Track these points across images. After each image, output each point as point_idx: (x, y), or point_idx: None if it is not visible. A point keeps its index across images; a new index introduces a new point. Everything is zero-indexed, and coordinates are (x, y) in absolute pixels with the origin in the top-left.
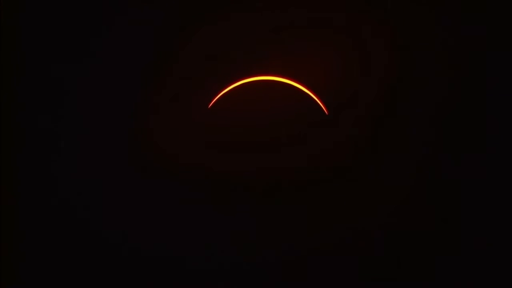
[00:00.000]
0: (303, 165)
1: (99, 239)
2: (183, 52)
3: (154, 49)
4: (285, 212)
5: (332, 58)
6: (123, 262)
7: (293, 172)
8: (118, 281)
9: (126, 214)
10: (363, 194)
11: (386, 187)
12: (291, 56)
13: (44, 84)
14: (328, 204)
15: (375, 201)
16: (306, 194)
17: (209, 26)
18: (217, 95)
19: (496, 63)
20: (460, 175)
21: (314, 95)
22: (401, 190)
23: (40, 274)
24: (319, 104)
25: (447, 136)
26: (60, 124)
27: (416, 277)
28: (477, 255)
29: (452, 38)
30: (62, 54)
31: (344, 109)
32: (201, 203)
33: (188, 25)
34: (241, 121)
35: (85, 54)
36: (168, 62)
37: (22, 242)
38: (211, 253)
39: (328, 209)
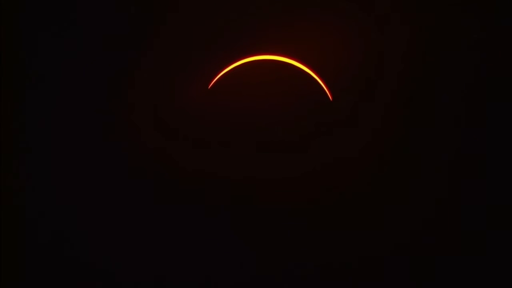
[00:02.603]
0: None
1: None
2: (181, 31)
3: (152, 30)
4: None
5: (339, 39)
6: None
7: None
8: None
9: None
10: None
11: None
12: (295, 35)
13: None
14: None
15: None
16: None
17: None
18: (217, 76)
19: None
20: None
21: (319, 77)
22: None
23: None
24: (323, 88)
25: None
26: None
27: None
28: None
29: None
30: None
31: (350, 96)
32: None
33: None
34: (242, 102)
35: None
36: (167, 42)
37: None
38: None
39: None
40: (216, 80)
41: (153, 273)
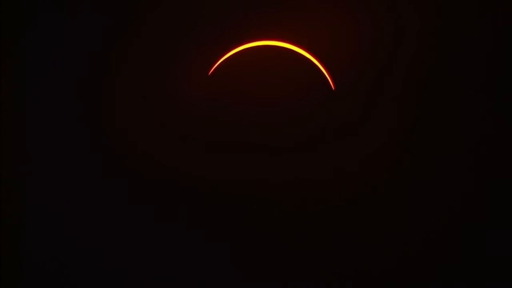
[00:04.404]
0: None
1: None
2: (180, 16)
3: (150, 16)
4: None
5: (345, 26)
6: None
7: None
8: None
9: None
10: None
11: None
12: (298, 20)
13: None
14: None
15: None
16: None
17: None
18: (217, 62)
19: None
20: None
21: (321, 64)
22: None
23: None
24: (325, 76)
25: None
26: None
27: None
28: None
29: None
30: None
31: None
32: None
33: None
34: (243, 88)
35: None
36: (165, 28)
37: None
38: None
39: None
40: (217, 67)
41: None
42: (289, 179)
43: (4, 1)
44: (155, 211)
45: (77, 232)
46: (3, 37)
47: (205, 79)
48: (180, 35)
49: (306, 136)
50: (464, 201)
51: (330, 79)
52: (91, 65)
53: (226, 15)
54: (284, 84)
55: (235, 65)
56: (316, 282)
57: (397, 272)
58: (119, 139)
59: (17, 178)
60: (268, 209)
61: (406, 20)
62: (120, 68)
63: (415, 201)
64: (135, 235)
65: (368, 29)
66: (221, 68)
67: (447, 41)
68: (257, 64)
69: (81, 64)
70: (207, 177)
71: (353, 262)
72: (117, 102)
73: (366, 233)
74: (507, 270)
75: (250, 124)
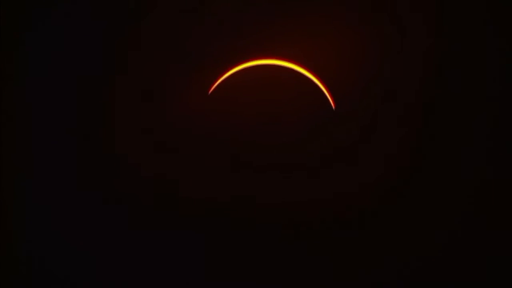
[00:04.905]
0: (303, 162)
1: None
2: (180, 36)
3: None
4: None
5: (345, 45)
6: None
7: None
8: None
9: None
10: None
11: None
12: (298, 39)
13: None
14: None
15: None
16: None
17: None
18: (217, 81)
19: None
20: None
21: (322, 83)
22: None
23: None
24: (326, 95)
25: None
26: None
27: None
28: None
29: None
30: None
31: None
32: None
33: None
34: (243, 108)
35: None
36: (165, 47)
37: None
38: None
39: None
40: (217, 86)
41: None
42: (287, 200)
43: (4, 1)
44: (155, 228)
45: (74, 234)
46: (3, 37)
47: (205, 98)
48: (180, 55)
49: (306, 157)
50: (464, 226)
51: (331, 98)
52: (88, 88)
53: (226, 34)
54: (283, 103)
55: (235, 84)
56: None
57: None
58: (117, 159)
59: (17, 179)
60: (265, 230)
61: (412, 43)
62: (120, 88)
63: (414, 227)
64: (134, 240)
65: (371, 50)
66: (221, 87)
67: (454, 67)
68: (257, 83)
69: (79, 88)
70: (207, 195)
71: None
72: (117, 123)
73: (364, 258)
74: None
75: (249, 144)
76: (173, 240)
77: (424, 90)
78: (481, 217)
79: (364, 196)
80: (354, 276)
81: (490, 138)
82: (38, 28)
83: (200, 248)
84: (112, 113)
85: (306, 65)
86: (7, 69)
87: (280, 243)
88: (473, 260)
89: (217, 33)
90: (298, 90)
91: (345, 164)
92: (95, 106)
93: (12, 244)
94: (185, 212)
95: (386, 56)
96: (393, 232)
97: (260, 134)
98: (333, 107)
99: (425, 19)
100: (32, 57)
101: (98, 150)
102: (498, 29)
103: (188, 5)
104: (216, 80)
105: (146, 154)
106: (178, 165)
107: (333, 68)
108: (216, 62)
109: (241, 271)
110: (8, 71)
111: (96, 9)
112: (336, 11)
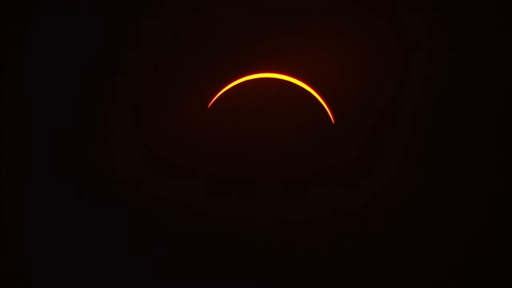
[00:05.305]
0: (303, 177)
1: None
2: (178, 49)
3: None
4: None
5: (344, 59)
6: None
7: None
8: None
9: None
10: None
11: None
12: (297, 53)
13: None
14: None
15: None
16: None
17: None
18: (216, 95)
19: None
20: None
21: (321, 96)
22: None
23: None
24: (325, 109)
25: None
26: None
27: None
28: None
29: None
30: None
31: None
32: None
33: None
34: (242, 122)
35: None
36: (163, 61)
37: None
38: None
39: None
40: (216, 100)
41: None
42: (284, 218)
43: (4, 1)
44: (150, 243)
45: (74, 234)
46: (3, 37)
47: (204, 112)
48: (178, 68)
49: (305, 173)
50: (465, 246)
51: (330, 112)
52: (88, 88)
53: (225, 48)
54: (283, 117)
55: (234, 98)
56: None
57: None
58: (115, 174)
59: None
60: (263, 248)
61: (414, 57)
62: (118, 101)
63: (415, 245)
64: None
65: (371, 64)
66: (220, 101)
67: (457, 82)
68: (257, 97)
69: (80, 88)
70: (205, 212)
71: None
72: (115, 138)
73: (363, 277)
74: None
75: (249, 160)
76: (171, 252)
77: (425, 104)
78: (485, 235)
79: (364, 212)
80: None
81: (497, 154)
82: (38, 27)
83: (197, 266)
84: (110, 128)
85: (306, 79)
86: (6, 68)
87: (278, 262)
88: (480, 276)
89: (216, 48)
90: (298, 104)
91: (344, 180)
92: (95, 106)
93: (12, 244)
94: (183, 228)
95: (387, 70)
96: (394, 250)
97: (259, 148)
98: (333, 121)
99: (429, 33)
100: (32, 56)
101: (98, 150)
102: (500, 40)
103: (187, 21)
104: (215, 94)
105: (144, 173)
106: (176, 179)
107: (333, 83)
108: (215, 76)
109: None
110: (8, 70)
111: (96, 8)
112: (337, 25)
